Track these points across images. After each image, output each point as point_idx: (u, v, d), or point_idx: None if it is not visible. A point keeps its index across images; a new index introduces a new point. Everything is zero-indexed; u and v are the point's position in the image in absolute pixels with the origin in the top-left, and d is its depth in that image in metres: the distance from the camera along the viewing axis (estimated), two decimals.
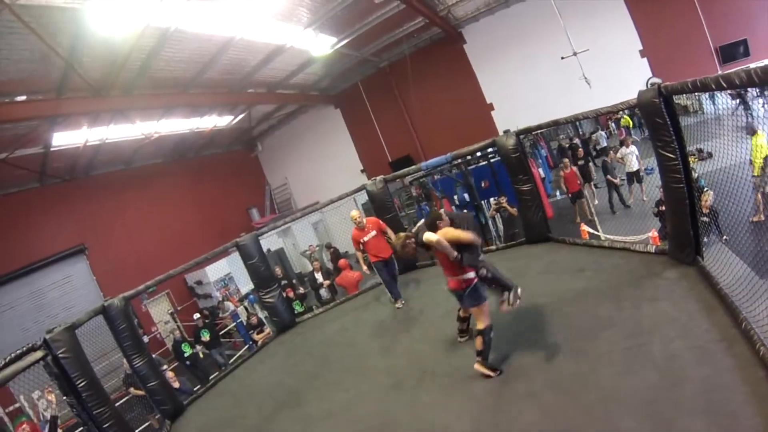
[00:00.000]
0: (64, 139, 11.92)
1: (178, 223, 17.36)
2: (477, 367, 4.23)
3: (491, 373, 4.19)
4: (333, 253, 13.06)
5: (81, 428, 4.92)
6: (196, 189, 18.71)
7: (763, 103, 13.04)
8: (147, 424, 8.12)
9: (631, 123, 17.43)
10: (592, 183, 12.83)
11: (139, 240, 15.89)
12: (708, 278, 4.32)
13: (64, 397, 4.64)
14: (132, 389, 8.69)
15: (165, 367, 8.28)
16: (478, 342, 4.20)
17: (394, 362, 5.28)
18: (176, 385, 7.65)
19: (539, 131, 15.57)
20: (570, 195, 11.93)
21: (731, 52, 13.51)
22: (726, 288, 4.02)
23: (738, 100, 13.24)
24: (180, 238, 16.59)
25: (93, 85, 9.63)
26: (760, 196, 8.73)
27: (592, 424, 3.27)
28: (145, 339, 7.01)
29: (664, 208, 7.94)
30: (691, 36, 13.81)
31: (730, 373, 3.18)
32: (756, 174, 8.50)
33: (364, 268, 7.02)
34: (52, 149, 12.16)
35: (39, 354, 4.37)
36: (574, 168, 11.86)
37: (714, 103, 14.11)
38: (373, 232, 7.03)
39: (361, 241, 6.95)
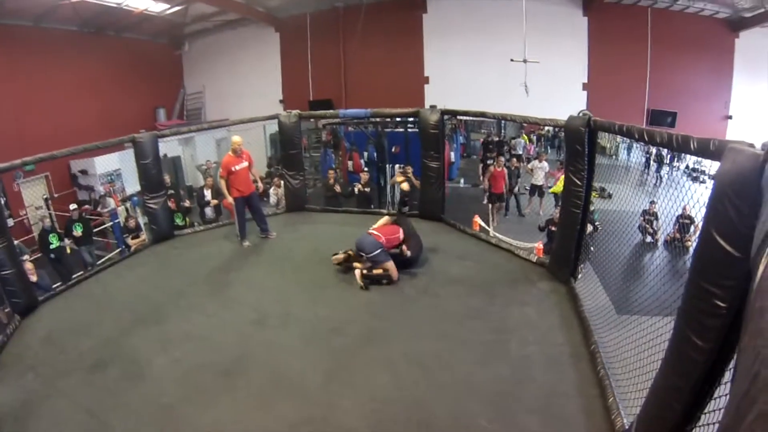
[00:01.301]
0: None
1: (76, 104, 15.52)
2: (357, 273, 5.32)
3: (361, 283, 5.25)
4: None
5: None
6: (106, 71, 16.82)
7: (668, 171, 14.46)
8: None
9: (528, 140, 18.33)
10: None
11: (28, 112, 14.01)
12: (575, 299, 4.77)
13: None
14: None
15: (26, 257, 7.53)
16: (378, 272, 5.30)
17: (262, 298, 5.27)
18: (34, 278, 7.01)
19: (464, 118, 16.03)
20: (491, 193, 12.12)
21: (660, 118, 14.71)
22: (587, 312, 4.46)
23: (651, 161, 14.54)
24: (75, 121, 14.87)
25: None
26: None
27: (440, 400, 3.51)
28: (10, 222, 6.21)
29: (552, 227, 8.55)
30: (632, 90, 14.94)
31: (572, 384, 3.58)
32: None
33: (230, 198, 6.81)
34: None
35: None
36: (506, 170, 12.10)
37: (629, 155, 15.32)
38: (245, 164, 6.83)
39: (233, 168, 6.70)
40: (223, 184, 6.82)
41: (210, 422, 3.44)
